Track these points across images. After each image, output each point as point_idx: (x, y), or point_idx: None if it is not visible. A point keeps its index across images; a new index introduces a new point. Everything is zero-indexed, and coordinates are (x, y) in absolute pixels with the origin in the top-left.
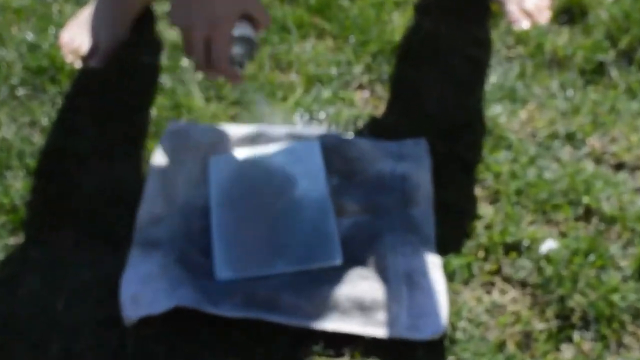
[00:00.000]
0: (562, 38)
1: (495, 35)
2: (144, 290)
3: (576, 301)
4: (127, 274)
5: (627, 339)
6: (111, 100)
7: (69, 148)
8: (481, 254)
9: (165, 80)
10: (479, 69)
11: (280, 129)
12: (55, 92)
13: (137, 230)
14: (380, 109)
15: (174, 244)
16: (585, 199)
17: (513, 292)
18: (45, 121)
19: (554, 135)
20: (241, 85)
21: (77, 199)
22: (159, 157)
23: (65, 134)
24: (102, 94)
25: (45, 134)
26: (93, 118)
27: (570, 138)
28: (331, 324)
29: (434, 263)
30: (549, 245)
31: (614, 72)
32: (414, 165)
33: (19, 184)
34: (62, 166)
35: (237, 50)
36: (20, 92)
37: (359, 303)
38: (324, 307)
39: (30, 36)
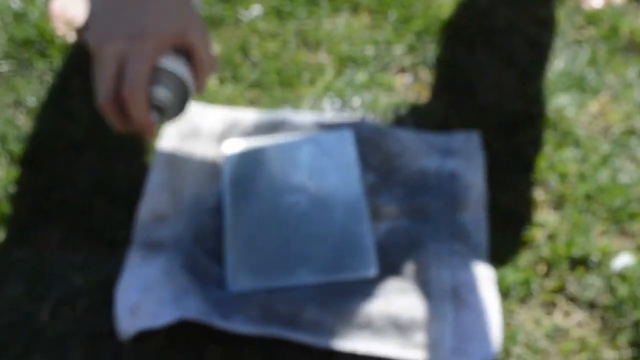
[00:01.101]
0: None
1: (562, 14)
2: (145, 299)
3: None
4: (125, 280)
5: None
6: None
7: (59, 133)
8: (542, 269)
9: None
10: (543, 53)
11: (307, 117)
12: (45, 68)
13: (138, 229)
14: (424, 97)
15: (180, 247)
16: None
17: (579, 315)
18: (32, 102)
19: (630, 132)
20: (153, 134)
21: (68, 192)
22: (164, 147)
23: (56, 117)
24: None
25: (32, 117)
26: (88, 99)
27: None
28: (362, 344)
29: (485, 277)
30: (623, 260)
31: None
32: (465, 162)
33: (1, 173)
34: (52, 154)
35: (160, 89)
36: (4, 67)
37: (396, 321)
38: (354, 325)
39: (16, 4)
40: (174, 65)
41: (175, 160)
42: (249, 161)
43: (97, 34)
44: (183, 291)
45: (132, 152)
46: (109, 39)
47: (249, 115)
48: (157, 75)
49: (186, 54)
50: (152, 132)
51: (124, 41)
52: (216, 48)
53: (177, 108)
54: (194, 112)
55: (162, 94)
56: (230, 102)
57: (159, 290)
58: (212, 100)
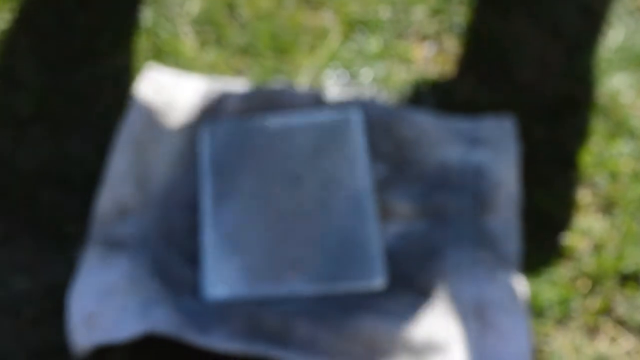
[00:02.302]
0: None
1: None
2: (104, 307)
3: None
4: (80, 285)
5: None
6: (65, 39)
7: (1, 106)
8: (585, 285)
9: (144, 13)
10: (596, 22)
11: (305, 92)
12: None
13: (96, 224)
14: (449, 71)
15: (146, 246)
16: None
17: (629, 341)
18: None
19: None
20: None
21: (10, 178)
22: (130, 124)
23: None
24: (52, 29)
25: None
26: (38, 63)
27: None
28: None
29: (515, 293)
30: None
31: None
32: (494, 154)
33: None
34: None
35: None
36: None
37: (407, 343)
38: (355, 344)
39: None
40: None
41: (142, 141)
42: (234, 145)
43: None
44: (150, 299)
45: (89, 128)
46: None
47: (235, 88)
48: None
49: None
50: None
51: None
52: (196, 3)
53: None
54: (167, 81)
55: None
56: (212, 70)
57: (121, 298)
58: (190, 67)
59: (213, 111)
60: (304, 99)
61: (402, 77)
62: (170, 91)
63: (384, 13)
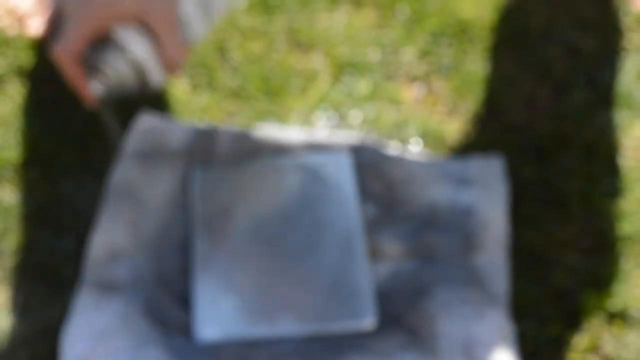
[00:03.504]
0: None
1: (608, 15)
2: (97, 350)
3: None
4: (74, 327)
5: None
6: (59, 84)
7: None
8: (573, 323)
9: None
10: (582, 62)
11: (296, 135)
12: None
13: (89, 266)
14: (438, 112)
15: (139, 288)
16: None
17: None
18: None
19: None
20: (95, 105)
21: (2, 218)
22: (122, 168)
23: None
24: (46, 74)
25: None
26: (32, 109)
27: None
28: None
29: (503, 332)
30: None
31: None
32: (483, 194)
33: None
34: None
35: (104, 55)
36: None
37: None
38: None
39: None
40: (127, 37)
41: (134, 186)
42: (224, 187)
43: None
44: (143, 340)
45: (83, 174)
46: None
47: (226, 131)
48: (105, 43)
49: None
50: (87, 92)
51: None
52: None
53: (125, 84)
54: (158, 125)
55: (105, 60)
56: (203, 113)
57: (114, 339)
58: (182, 111)
59: (204, 154)
60: (294, 141)
61: (392, 118)
62: (162, 135)
63: (373, 55)
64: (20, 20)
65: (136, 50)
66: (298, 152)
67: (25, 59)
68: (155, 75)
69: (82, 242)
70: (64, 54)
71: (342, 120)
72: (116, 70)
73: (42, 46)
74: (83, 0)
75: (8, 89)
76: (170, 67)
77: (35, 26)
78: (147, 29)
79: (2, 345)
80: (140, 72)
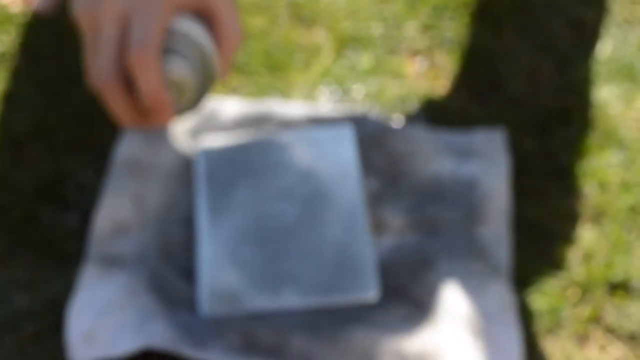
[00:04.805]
0: None
1: None
2: (102, 324)
3: None
4: (79, 301)
5: None
6: (63, 60)
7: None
8: (575, 293)
9: None
10: (586, 35)
11: (298, 108)
12: None
13: (94, 241)
14: (441, 86)
15: (144, 262)
16: None
17: (618, 349)
18: None
19: None
20: (170, 121)
21: (7, 194)
22: (126, 143)
23: None
24: (49, 50)
25: None
26: (37, 85)
27: None
28: None
29: (507, 303)
30: None
31: None
32: (486, 166)
33: None
34: None
35: (175, 57)
36: None
37: (400, 354)
38: (349, 356)
39: None
40: (192, 28)
41: (138, 160)
42: (228, 162)
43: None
44: (148, 314)
45: (87, 149)
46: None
47: (229, 106)
48: (170, 40)
49: (206, 23)
50: (169, 114)
51: (122, 2)
52: None
53: (197, 88)
54: None
55: (178, 63)
56: None
57: (119, 314)
58: None
59: (208, 129)
60: (297, 115)
61: (394, 92)
62: None
63: (376, 29)
64: None
65: (201, 38)
66: (301, 126)
67: (29, 36)
68: (217, 66)
69: (87, 217)
70: (146, 55)
71: (345, 95)
72: (188, 66)
73: (45, 23)
74: None
75: (12, 65)
76: (228, 53)
77: (38, 3)
78: (205, 15)
79: (8, 320)
80: (206, 67)
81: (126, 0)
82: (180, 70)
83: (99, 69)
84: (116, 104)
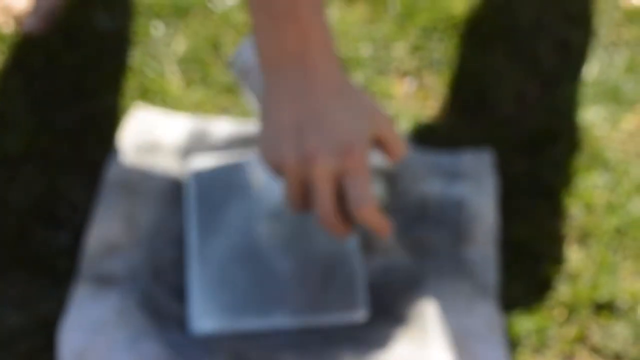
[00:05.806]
0: None
1: (596, 10)
2: (94, 342)
3: None
4: (71, 320)
5: None
6: (54, 80)
7: None
8: (561, 314)
9: (131, 53)
10: (572, 57)
11: None
12: None
13: (85, 260)
14: (430, 106)
15: (135, 281)
16: None
17: None
18: None
19: None
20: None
21: (1, 214)
22: (117, 163)
23: None
24: (41, 70)
25: None
26: (28, 104)
27: None
28: None
29: (494, 323)
30: None
31: None
32: (474, 187)
33: None
34: None
35: (376, 190)
36: None
37: None
38: None
39: None
40: (375, 161)
41: (129, 180)
42: (219, 182)
43: (293, 149)
44: (139, 333)
45: (79, 169)
46: (317, 157)
47: (220, 126)
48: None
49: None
50: (387, 229)
51: (334, 158)
52: (182, 43)
53: (387, 198)
54: (153, 120)
55: (378, 193)
56: (197, 108)
57: (111, 332)
58: (176, 106)
59: (199, 148)
60: None
61: None
62: (156, 130)
63: (365, 50)
64: (16, 17)
65: (384, 165)
66: None
67: (21, 56)
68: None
69: (79, 236)
70: (372, 207)
71: None
72: (383, 193)
73: (37, 43)
74: (341, 152)
75: (4, 85)
76: (399, 159)
77: (30, 23)
78: (378, 143)
79: (2, 337)
80: (389, 184)
81: (336, 161)
82: (379, 196)
83: (323, 214)
84: (336, 229)
